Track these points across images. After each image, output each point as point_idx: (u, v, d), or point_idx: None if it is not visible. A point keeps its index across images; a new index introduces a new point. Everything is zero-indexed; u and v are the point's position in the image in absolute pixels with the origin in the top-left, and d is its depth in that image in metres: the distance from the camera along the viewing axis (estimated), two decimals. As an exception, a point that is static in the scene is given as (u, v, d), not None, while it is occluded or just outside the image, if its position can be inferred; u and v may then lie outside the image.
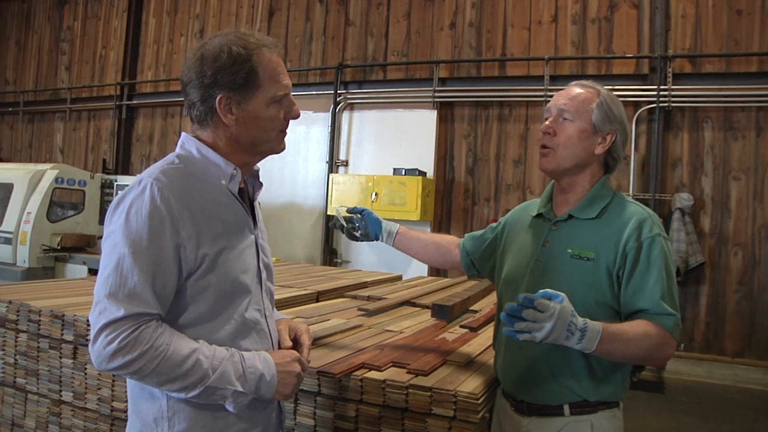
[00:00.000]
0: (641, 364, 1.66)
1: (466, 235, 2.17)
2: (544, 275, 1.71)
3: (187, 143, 1.46)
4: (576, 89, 1.76)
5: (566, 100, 1.74)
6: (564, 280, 1.65)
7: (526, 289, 1.72)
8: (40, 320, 2.39)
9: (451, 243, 2.16)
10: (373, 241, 2.14)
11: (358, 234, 2.13)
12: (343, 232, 2.14)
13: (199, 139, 1.45)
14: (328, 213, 7.74)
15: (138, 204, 1.31)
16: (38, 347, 2.40)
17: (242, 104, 1.40)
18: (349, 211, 2.14)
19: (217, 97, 1.38)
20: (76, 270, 6.91)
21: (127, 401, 1.48)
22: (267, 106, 1.42)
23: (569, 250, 1.69)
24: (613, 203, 1.74)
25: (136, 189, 1.34)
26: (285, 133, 1.49)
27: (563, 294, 1.44)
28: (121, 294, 1.26)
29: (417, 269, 6.77)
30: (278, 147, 1.50)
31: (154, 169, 1.39)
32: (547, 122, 1.76)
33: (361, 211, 2.13)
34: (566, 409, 1.67)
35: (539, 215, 1.85)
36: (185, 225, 1.33)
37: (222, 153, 1.44)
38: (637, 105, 6.68)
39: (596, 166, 1.77)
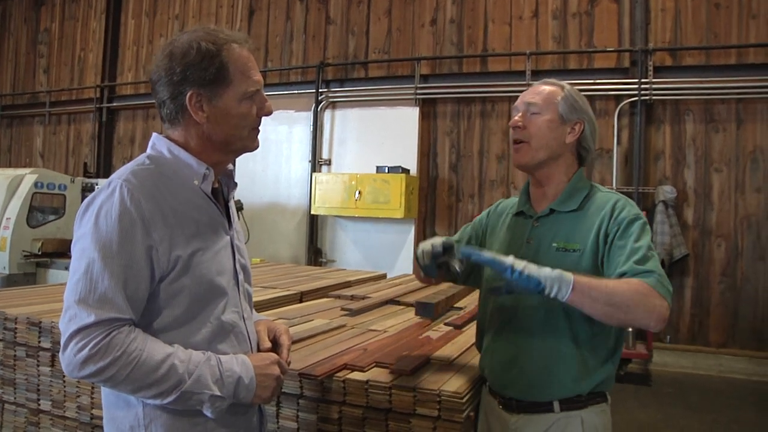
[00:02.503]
0: (629, 320, 1.53)
1: None
2: None
3: (158, 143, 1.43)
4: (541, 86, 1.82)
5: (533, 96, 1.79)
6: None
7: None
8: (16, 328, 2.34)
9: None
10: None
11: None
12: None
13: (170, 139, 1.42)
14: (312, 213, 7.71)
15: (107, 206, 1.27)
16: (15, 356, 2.35)
17: (213, 101, 1.37)
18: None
19: (187, 94, 1.35)
20: (58, 275, 6.80)
21: (105, 409, 1.44)
22: (239, 102, 1.39)
23: (554, 244, 1.70)
24: (591, 194, 1.76)
25: (105, 191, 1.30)
26: (258, 131, 1.46)
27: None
28: (91, 299, 1.23)
29: (402, 267, 6.75)
30: (251, 145, 1.46)
31: (124, 170, 1.35)
32: (516, 118, 1.79)
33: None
34: (556, 405, 1.65)
35: (519, 213, 1.85)
36: (157, 227, 1.29)
37: (194, 152, 1.40)
38: (618, 98, 6.72)
39: (570, 157, 1.79)
